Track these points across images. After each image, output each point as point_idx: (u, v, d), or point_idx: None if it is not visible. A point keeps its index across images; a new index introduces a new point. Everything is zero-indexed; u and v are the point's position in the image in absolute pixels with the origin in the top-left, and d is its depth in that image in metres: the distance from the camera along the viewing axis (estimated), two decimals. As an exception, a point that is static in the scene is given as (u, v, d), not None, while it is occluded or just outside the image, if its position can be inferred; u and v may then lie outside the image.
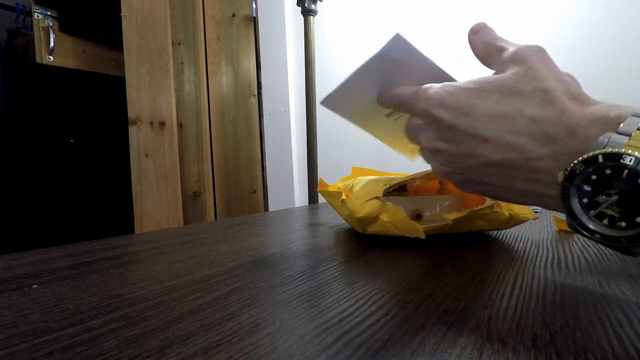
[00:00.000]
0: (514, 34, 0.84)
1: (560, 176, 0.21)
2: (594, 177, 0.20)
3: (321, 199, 1.02)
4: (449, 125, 0.26)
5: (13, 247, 1.46)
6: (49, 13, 1.43)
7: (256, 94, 1.26)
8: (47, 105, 1.54)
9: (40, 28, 1.38)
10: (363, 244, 0.38)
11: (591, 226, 0.20)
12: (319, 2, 0.97)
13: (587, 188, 0.20)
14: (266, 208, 1.26)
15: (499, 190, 0.26)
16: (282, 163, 1.20)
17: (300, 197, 1.20)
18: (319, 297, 0.23)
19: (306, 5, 0.95)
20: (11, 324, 0.20)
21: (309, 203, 1.02)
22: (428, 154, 0.30)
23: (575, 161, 0.20)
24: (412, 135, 0.31)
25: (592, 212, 0.20)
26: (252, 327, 0.19)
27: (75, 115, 1.60)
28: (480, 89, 0.25)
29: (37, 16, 1.39)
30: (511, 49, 0.26)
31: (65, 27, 1.44)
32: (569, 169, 0.21)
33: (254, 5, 1.25)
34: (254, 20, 1.25)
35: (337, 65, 1.10)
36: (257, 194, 1.28)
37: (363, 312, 0.20)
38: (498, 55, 0.27)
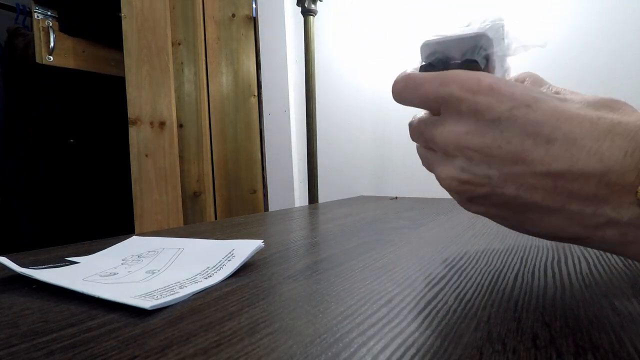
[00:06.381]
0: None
1: None
2: None
3: (321, 199, 1.02)
4: (498, 116, 0.19)
5: (13, 247, 1.46)
6: (49, 13, 1.42)
7: (256, 94, 1.26)
8: (47, 105, 1.54)
9: (40, 28, 1.38)
10: (363, 244, 0.38)
11: None
12: (319, 2, 0.97)
13: None
14: (266, 208, 1.26)
15: (536, 214, 0.20)
16: (282, 163, 1.20)
17: (300, 197, 1.20)
18: (319, 298, 0.23)
19: (306, 5, 0.95)
20: (11, 324, 0.20)
21: (309, 203, 1.02)
22: (438, 154, 0.23)
23: None
24: (420, 128, 0.23)
25: None
26: (252, 327, 0.19)
27: (75, 115, 1.60)
28: (541, 91, 0.20)
29: (37, 16, 1.39)
30: None
31: (65, 27, 1.44)
32: None
33: (254, 5, 1.25)
34: (254, 20, 1.25)
35: (337, 65, 1.09)
36: (257, 194, 1.28)
37: (363, 312, 0.20)
38: None
